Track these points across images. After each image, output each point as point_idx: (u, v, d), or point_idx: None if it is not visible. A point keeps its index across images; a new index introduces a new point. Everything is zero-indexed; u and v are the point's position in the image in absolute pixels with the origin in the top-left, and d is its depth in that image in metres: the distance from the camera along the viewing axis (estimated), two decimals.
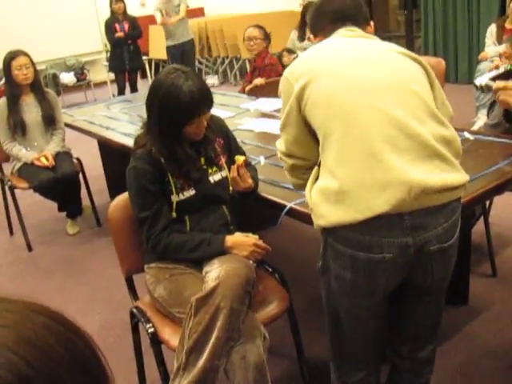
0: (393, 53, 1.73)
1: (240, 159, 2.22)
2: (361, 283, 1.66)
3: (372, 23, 1.93)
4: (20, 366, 0.50)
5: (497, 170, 2.36)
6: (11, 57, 4.05)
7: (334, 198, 1.57)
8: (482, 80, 2.05)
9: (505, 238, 3.54)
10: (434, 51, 7.97)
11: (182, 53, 7.82)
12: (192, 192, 2.21)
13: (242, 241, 2.18)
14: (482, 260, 3.24)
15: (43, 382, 0.51)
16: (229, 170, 2.32)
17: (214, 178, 2.28)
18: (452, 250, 1.68)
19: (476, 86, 2.04)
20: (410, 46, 8.75)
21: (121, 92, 7.99)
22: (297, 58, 1.83)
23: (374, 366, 1.94)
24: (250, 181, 2.24)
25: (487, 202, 3.31)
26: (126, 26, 7.87)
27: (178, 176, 2.19)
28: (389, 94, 1.59)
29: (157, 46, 9.41)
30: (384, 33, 9.52)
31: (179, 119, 2.08)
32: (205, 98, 2.10)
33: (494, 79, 2.05)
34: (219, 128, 2.37)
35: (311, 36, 1.97)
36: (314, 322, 2.68)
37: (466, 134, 2.81)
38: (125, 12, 7.92)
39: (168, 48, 7.92)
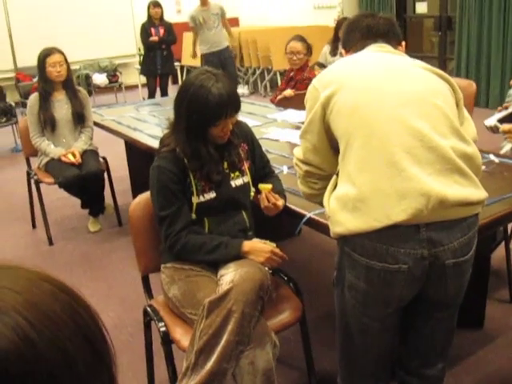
0: (419, 68, 1.75)
1: (267, 188, 2.23)
2: (374, 294, 1.66)
3: (404, 43, 1.96)
4: (25, 327, 0.52)
5: None
6: (46, 54, 4.13)
7: (351, 206, 1.58)
8: (490, 121, 2.08)
9: None
10: (466, 74, 7.92)
11: (220, 60, 7.79)
12: (213, 195, 2.23)
13: (259, 247, 2.19)
14: (501, 285, 3.21)
15: (45, 344, 0.52)
16: (251, 177, 2.34)
17: (236, 182, 2.30)
18: (467, 266, 1.68)
19: (486, 126, 2.04)
20: (442, 67, 8.72)
21: (151, 96, 8.06)
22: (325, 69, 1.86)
23: (383, 383, 1.93)
24: (280, 203, 2.25)
25: (509, 228, 3.27)
26: (162, 31, 7.95)
27: (199, 178, 2.21)
28: (412, 107, 1.60)
29: (190, 53, 9.48)
30: (417, 53, 9.51)
31: (206, 119, 2.11)
32: (233, 101, 2.12)
33: (501, 121, 2.06)
34: (244, 133, 2.39)
35: (343, 51, 2.00)
36: (326, 337, 2.68)
37: (492, 157, 2.79)
38: (161, 17, 8.00)
39: (204, 55, 7.89)
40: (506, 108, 2.07)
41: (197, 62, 8.57)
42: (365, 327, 1.75)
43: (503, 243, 3.21)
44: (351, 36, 1.93)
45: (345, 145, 1.63)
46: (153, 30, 7.91)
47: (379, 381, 1.90)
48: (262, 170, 2.44)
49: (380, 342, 1.79)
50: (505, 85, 7.36)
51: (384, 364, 1.86)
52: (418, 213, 1.52)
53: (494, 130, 2.05)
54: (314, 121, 1.72)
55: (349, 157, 1.62)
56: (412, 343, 1.87)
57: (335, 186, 1.70)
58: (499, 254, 3.25)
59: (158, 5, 7.94)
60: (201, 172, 2.20)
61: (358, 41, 1.88)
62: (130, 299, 3.30)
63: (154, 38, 7.85)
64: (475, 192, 1.61)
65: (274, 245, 2.23)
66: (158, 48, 7.96)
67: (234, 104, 2.13)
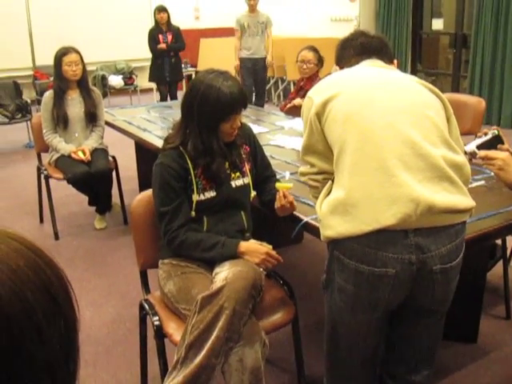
0: (412, 82, 1.80)
1: (287, 186, 2.28)
2: (362, 297, 1.69)
3: (396, 61, 2.03)
4: None
5: None
6: (63, 53, 4.21)
7: (342, 209, 1.62)
8: (469, 147, 2.10)
9: None
10: (479, 92, 7.94)
11: (254, 68, 7.82)
12: (213, 193, 2.28)
13: (255, 248, 2.23)
14: (498, 302, 3.22)
15: (9, 296, 0.58)
16: (252, 178, 2.40)
17: (236, 183, 2.35)
18: (454, 273, 1.71)
19: (465, 152, 2.06)
20: (455, 84, 8.76)
21: (163, 100, 8.04)
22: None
23: None
24: (295, 204, 2.29)
25: (508, 245, 3.29)
26: (170, 38, 7.77)
27: (200, 176, 2.26)
28: (405, 116, 1.65)
29: (207, 59, 9.56)
30: (432, 69, 9.54)
31: (218, 114, 2.19)
32: (242, 98, 2.22)
33: (479, 147, 2.08)
34: (247, 135, 2.46)
35: (337, 68, 2.05)
36: (318, 342, 2.69)
37: (492, 172, 2.82)
38: (168, 22, 7.77)
39: (242, 59, 7.87)
40: (486, 134, 2.09)
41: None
42: (352, 330, 1.78)
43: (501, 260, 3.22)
44: (345, 53, 1.99)
45: (338, 150, 1.68)
46: (160, 37, 7.72)
47: None
48: (264, 172, 2.49)
49: (366, 345, 1.81)
50: None
51: (369, 368, 1.89)
52: (406, 218, 1.56)
53: (472, 155, 2.08)
54: (312, 131, 1.77)
55: (342, 163, 1.66)
56: (398, 349, 1.90)
57: (330, 191, 1.74)
58: (498, 270, 3.27)
59: (163, 9, 7.70)
60: (203, 170, 2.25)
61: (352, 57, 1.95)
62: (131, 295, 3.35)
63: (162, 46, 7.67)
64: (463, 200, 1.65)
65: (270, 247, 2.27)
66: (167, 55, 7.79)
67: (243, 100, 2.23)
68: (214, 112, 2.18)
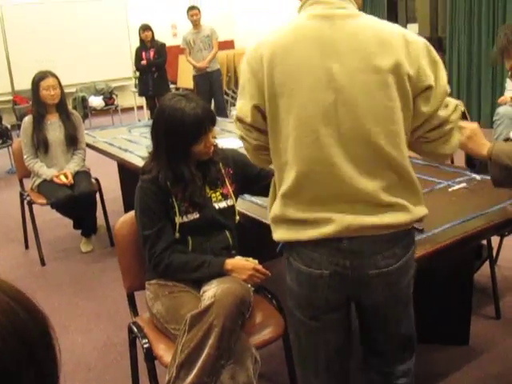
0: (367, 74, 1.54)
1: None
2: (304, 296, 1.72)
3: None
4: None
5: (500, 209, 2.39)
6: (40, 77, 4.21)
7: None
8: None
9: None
10: (457, 94, 8.01)
11: (209, 82, 7.97)
12: (196, 215, 2.27)
13: (241, 264, 2.23)
14: (487, 302, 3.23)
15: None
16: (236, 199, 2.40)
17: (219, 205, 2.34)
18: (393, 277, 1.68)
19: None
20: None
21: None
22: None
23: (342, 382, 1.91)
24: None
25: (495, 245, 3.31)
26: (152, 54, 8.10)
27: (182, 199, 2.25)
28: (346, 148, 1.56)
29: (185, 76, 9.60)
30: None
31: (186, 139, 2.17)
32: (208, 115, 2.20)
33: None
34: (228, 158, 2.42)
35: None
36: None
37: (473, 174, 2.84)
38: (152, 39, 8.15)
39: (195, 77, 8.09)
40: None
41: (190, 85, 8.66)
42: (308, 327, 1.77)
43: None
44: None
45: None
46: (143, 54, 8.10)
47: (336, 379, 1.89)
48: (257, 174, 2.42)
49: (327, 340, 1.79)
50: (495, 103, 7.44)
51: (339, 363, 1.85)
52: (341, 233, 1.60)
53: None
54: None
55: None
56: (368, 342, 1.89)
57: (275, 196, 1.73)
58: (485, 271, 3.28)
59: (147, 28, 8.09)
60: (183, 193, 2.24)
61: None
62: (120, 318, 3.32)
63: (143, 62, 8.09)
64: (399, 216, 1.61)
65: (256, 261, 2.27)
66: (149, 71, 8.15)
67: (209, 118, 2.20)
68: (182, 137, 2.17)
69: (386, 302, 1.74)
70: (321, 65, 1.53)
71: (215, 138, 2.32)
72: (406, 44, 1.57)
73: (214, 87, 8.03)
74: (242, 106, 1.64)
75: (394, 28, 1.62)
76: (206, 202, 2.30)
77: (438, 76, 1.62)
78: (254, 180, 2.42)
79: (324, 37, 1.55)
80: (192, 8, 7.98)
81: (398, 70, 1.55)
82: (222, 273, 2.19)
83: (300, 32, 1.58)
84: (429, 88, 1.58)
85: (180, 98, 2.18)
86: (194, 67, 8.00)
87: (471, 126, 1.90)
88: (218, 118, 4.31)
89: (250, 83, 1.61)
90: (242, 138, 1.71)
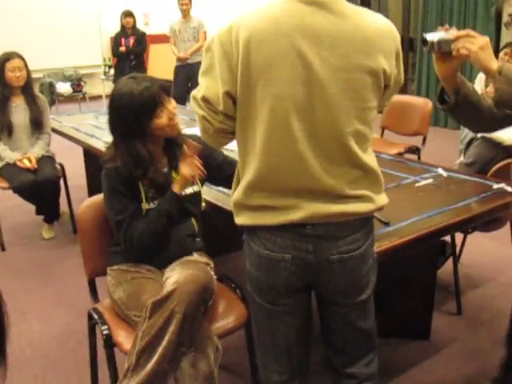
0: (346, 73, 1.52)
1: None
2: (262, 281, 1.70)
3: None
4: None
5: (465, 205, 2.41)
6: (5, 58, 4.11)
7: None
8: (431, 36, 1.80)
9: (474, 279, 3.57)
10: (426, 94, 8.09)
11: (188, 74, 7.77)
12: None
13: (183, 173, 2.21)
14: (449, 298, 3.27)
15: None
16: (212, 182, 2.39)
17: (186, 190, 2.29)
18: (355, 263, 1.68)
19: (425, 42, 1.79)
20: (403, 87, 8.90)
21: None
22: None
23: (297, 373, 1.88)
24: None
25: (457, 243, 3.34)
26: (131, 41, 8.07)
27: (149, 185, 2.21)
28: (316, 143, 1.55)
29: (157, 66, 9.49)
30: None
31: (140, 118, 2.12)
32: (159, 86, 2.15)
33: (441, 41, 1.80)
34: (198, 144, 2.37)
35: None
36: None
37: (440, 171, 2.86)
38: (134, 27, 8.12)
39: (176, 67, 7.93)
40: (447, 30, 1.89)
41: (164, 75, 8.55)
42: (268, 311, 1.76)
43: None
44: None
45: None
46: (123, 40, 8.06)
47: (296, 364, 1.87)
48: (221, 162, 2.41)
49: (286, 325, 1.77)
50: None
51: (298, 348, 1.83)
52: (307, 219, 1.59)
53: (436, 45, 1.85)
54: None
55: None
56: (330, 342, 1.87)
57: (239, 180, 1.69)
58: (448, 268, 3.32)
59: (129, 14, 8.08)
60: (148, 179, 2.20)
61: None
62: (80, 305, 3.25)
63: (122, 49, 8.04)
64: (361, 205, 1.63)
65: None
66: (127, 58, 8.09)
67: (160, 87, 2.15)
68: (136, 117, 2.12)
69: (346, 290, 1.72)
70: (300, 56, 1.48)
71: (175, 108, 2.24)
72: (386, 42, 1.56)
73: (193, 79, 7.85)
74: (211, 87, 1.57)
75: (376, 22, 1.58)
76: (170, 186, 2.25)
77: (399, 70, 1.66)
78: (217, 168, 2.37)
79: (305, 25, 1.49)
80: None
81: (377, 71, 1.54)
82: (175, 195, 2.19)
83: (279, 17, 1.51)
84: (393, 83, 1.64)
85: (128, 81, 2.15)
86: (176, 57, 7.89)
87: (484, 37, 1.80)
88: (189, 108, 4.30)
89: (222, 65, 1.53)
90: (203, 117, 1.61)
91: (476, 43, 1.74)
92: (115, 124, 2.19)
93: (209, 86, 1.58)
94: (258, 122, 1.54)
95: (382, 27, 1.57)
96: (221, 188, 2.60)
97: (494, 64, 1.74)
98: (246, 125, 1.58)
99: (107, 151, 2.27)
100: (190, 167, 2.21)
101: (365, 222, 1.68)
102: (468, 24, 7.51)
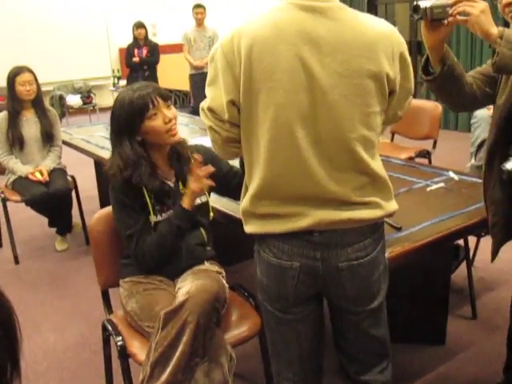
0: (348, 78, 1.51)
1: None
2: (272, 289, 1.70)
3: None
4: None
5: (477, 208, 2.39)
6: (16, 72, 4.14)
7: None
8: (427, 2, 1.73)
9: (488, 282, 3.54)
10: (436, 97, 8.05)
11: (203, 83, 7.76)
12: (170, 214, 2.23)
13: (193, 184, 2.21)
14: (464, 302, 3.25)
15: None
16: (218, 192, 2.39)
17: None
18: (364, 270, 1.66)
19: (416, 9, 1.72)
20: (414, 91, 8.88)
21: None
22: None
23: (311, 381, 1.88)
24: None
25: (471, 246, 3.32)
26: (145, 52, 8.12)
27: (156, 199, 2.21)
28: (321, 150, 1.55)
29: (167, 76, 9.50)
30: None
31: (131, 118, 2.10)
32: (153, 89, 2.13)
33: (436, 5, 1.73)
34: (202, 154, 2.34)
35: None
36: None
37: (451, 174, 2.85)
38: (146, 38, 8.18)
39: (192, 76, 7.98)
40: None
41: (175, 84, 8.59)
42: (279, 319, 1.76)
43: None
44: None
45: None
46: (136, 51, 8.10)
47: (309, 371, 1.86)
48: (227, 172, 2.38)
49: (298, 332, 1.77)
50: None
51: (311, 355, 1.83)
52: (314, 227, 1.59)
53: (429, 13, 1.71)
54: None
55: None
56: (343, 349, 1.86)
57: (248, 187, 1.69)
58: (462, 271, 3.30)
59: (141, 26, 8.14)
60: (155, 193, 2.19)
61: None
62: (94, 317, 3.27)
63: (136, 59, 8.07)
64: (368, 212, 1.62)
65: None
66: (140, 69, 8.12)
67: (154, 90, 2.13)
68: (128, 118, 2.10)
69: (356, 298, 1.70)
70: (301, 63, 1.48)
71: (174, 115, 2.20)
72: (387, 45, 1.55)
73: None
74: (216, 97, 1.57)
75: (377, 26, 1.57)
76: (181, 198, 2.25)
77: (406, 76, 1.64)
78: (222, 178, 2.34)
79: (306, 32, 1.49)
80: (197, 6, 7.86)
81: (380, 75, 1.53)
82: (185, 210, 2.19)
83: (281, 25, 1.51)
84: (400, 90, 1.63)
85: (129, 89, 2.15)
86: (191, 65, 7.91)
87: (484, 1, 1.77)
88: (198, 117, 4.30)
89: (226, 75, 1.54)
90: (210, 128, 1.63)
91: (477, 7, 1.73)
92: (111, 129, 2.19)
93: (214, 96, 1.59)
94: (262, 130, 1.54)
95: (383, 31, 1.56)
96: None
97: (494, 29, 1.73)
98: (249, 133, 1.58)
99: (107, 160, 2.27)
100: (197, 180, 2.20)
101: (374, 228, 1.67)
102: None
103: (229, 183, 2.33)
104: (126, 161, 2.12)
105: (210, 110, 1.60)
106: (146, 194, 2.19)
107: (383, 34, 1.55)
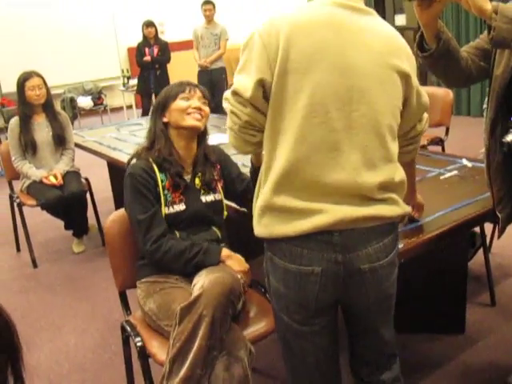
0: (382, 68, 1.56)
1: None
2: (292, 298, 1.64)
3: None
4: None
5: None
6: (25, 77, 4.17)
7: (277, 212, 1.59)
8: None
9: (506, 268, 3.52)
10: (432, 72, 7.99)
11: (210, 80, 7.73)
12: (182, 207, 2.25)
13: (237, 256, 2.24)
14: (482, 289, 3.23)
15: None
16: (224, 195, 2.40)
17: (207, 198, 2.32)
18: (385, 272, 1.64)
19: None
20: (423, 78, 8.82)
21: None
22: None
23: None
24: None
25: (487, 233, 3.30)
26: (156, 51, 8.08)
27: (169, 188, 2.25)
28: (354, 136, 1.54)
29: (176, 73, 9.44)
30: None
31: (169, 93, 2.34)
32: (188, 82, 2.36)
33: None
34: (218, 156, 2.44)
35: None
36: None
37: (465, 161, 2.83)
38: (156, 36, 8.14)
39: (199, 72, 7.94)
40: None
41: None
42: (295, 331, 1.71)
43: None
44: None
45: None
46: (146, 50, 8.06)
47: (327, 379, 1.84)
48: (237, 175, 2.45)
49: (315, 345, 1.73)
50: (485, 93, 7.44)
51: (327, 371, 1.80)
52: (334, 226, 1.54)
53: None
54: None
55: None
56: (355, 351, 1.84)
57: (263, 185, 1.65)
58: (479, 259, 3.28)
59: (150, 24, 8.08)
60: (170, 180, 2.24)
61: None
62: (114, 318, 3.30)
63: (147, 58, 8.01)
64: (389, 208, 1.60)
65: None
66: (152, 68, 8.08)
67: (192, 84, 2.35)
68: (165, 97, 2.33)
69: (375, 301, 1.68)
70: (339, 51, 1.51)
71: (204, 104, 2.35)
72: (410, 57, 1.64)
73: (215, 85, 7.74)
74: (244, 80, 1.56)
75: (400, 38, 1.66)
76: (193, 194, 2.30)
77: (419, 92, 1.69)
78: (230, 183, 2.43)
79: (343, 23, 1.54)
80: (206, 3, 7.78)
81: (405, 73, 1.59)
82: (217, 261, 2.19)
83: (318, 16, 1.55)
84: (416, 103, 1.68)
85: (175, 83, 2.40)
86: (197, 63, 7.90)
87: None
88: (213, 115, 4.32)
89: (259, 56, 1.53)
90: (232, 112, 1.60)
91: None
92: (153, 113, 2.39)
93: (240, 79, 1.58)
94: (294, 110, 1.52)
95: (406, 46, 1.65)
96: None
97: (488, 4, 1.74)
98: (277, 115, 1.55)
99: (140, 148, 2.36)
100: (238, 264, 2.24)
101: (391, 227, 1.64)
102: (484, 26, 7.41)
103: (236, 188, 2.42)
104: (150, 134, 2.34)
105: (234, 93, 1.58)
106: (159, 184, 2.22)
107: (405, 46, 1.65)
